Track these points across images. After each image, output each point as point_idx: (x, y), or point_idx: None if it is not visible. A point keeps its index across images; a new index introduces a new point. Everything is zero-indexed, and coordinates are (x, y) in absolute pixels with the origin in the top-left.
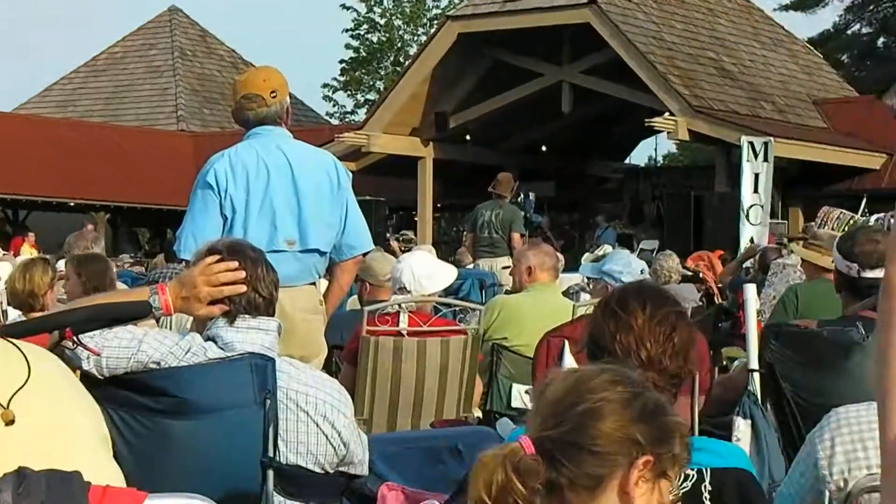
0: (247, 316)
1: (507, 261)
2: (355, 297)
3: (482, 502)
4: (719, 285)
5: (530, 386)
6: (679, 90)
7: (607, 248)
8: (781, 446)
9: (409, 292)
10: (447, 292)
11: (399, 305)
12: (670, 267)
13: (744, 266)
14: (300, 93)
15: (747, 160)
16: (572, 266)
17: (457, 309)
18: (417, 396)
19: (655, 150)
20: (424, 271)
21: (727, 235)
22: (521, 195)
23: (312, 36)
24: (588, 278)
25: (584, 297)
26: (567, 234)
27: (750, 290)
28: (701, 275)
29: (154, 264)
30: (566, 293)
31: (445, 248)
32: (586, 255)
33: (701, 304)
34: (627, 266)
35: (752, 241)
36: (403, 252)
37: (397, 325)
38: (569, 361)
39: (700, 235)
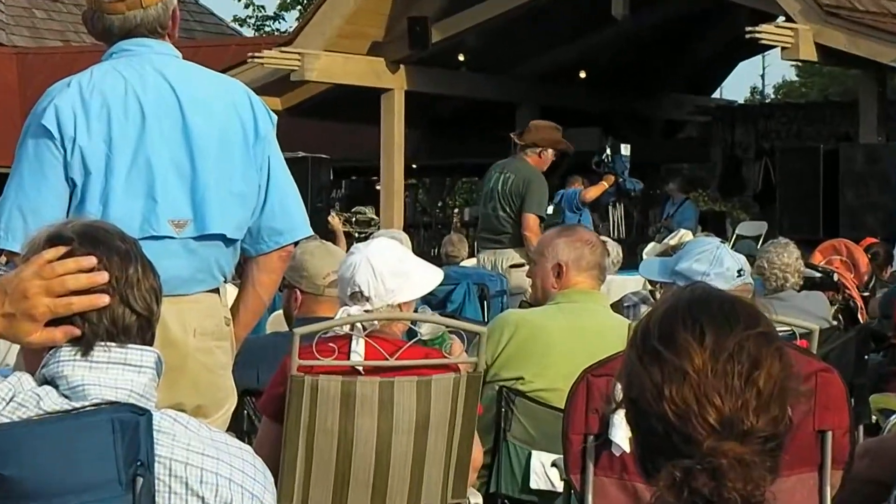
0: (109, 344)
1: (515, 255)
2: (280, 312)
3: None
4: (865, 294)
5: (560, 456)
6: None
7: (684, 234)
8: None
9: (366, 304)
10: (429, 304)
11: (351, 326)
12: (786, 265)
13: None
14: None
15: None
16: (629, 263)
17: (444, 332)
18: (380, 472)
19: (762, 78)
20: (391, 269)
21: (879, 214)
22: (607, 147)
23: None
24: (653, 282)
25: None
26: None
27: None
28: (836, 277)
29: None
30: (618, 306)
31: (427, 235)
32: (651, 244)
33: (835, 323)
34: (716, 263)
35: None
36: (358, 240)
37: (348, 358)
38: (621, 425)
39: (834, 214)
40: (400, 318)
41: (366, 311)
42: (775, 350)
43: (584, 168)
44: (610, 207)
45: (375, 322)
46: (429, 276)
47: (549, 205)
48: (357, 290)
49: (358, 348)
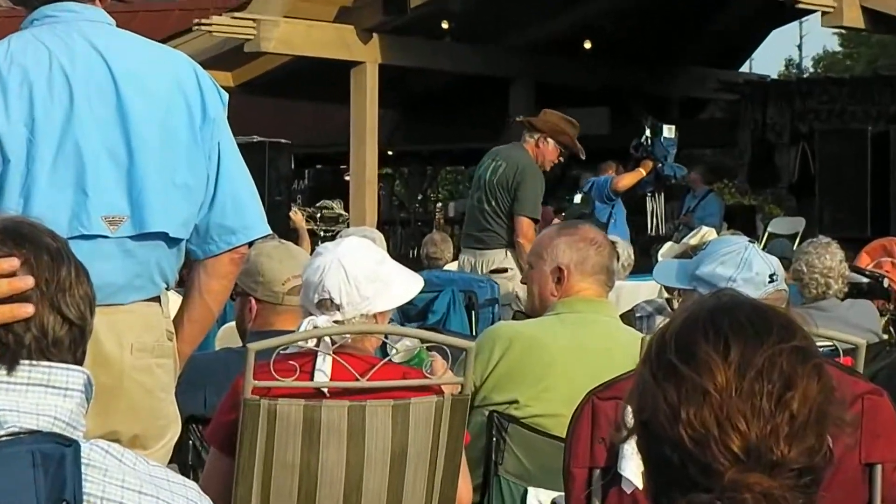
0: (30, 362)
1: (499, 258)
2: (231, 325)
3: None
4: None
5: (561, 494)
6: None
7: (707, 233)
8: None
9: (336, 313)
10: (407, 315)
11: (317, 340)
12: (828, 268)
13: None
14: None
15: None
16: (642, 266)
17: (420, 349)
18: None
19: (799, 49)
20: (366, 273)
21: None
22: (647, 127)
23: None
24: (671, 289)
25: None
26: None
27: None
28: (887, 283)
29: None
30: (629, 317)
31: (404, 234)
32: (667, 244)
33: (886, 337)
34: (744, 266)
35: None
36: (324, 239)
37: (311, 378)
38: (632, 456)
39: (885, 208)
40: (377, 330)
41: (335, 323)
42: (813, 368)
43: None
44: (648, 197)
45: (347, 336)
46: (408, 283)
47: (577, 193)
48: (326, 297)
49: (324, 366)
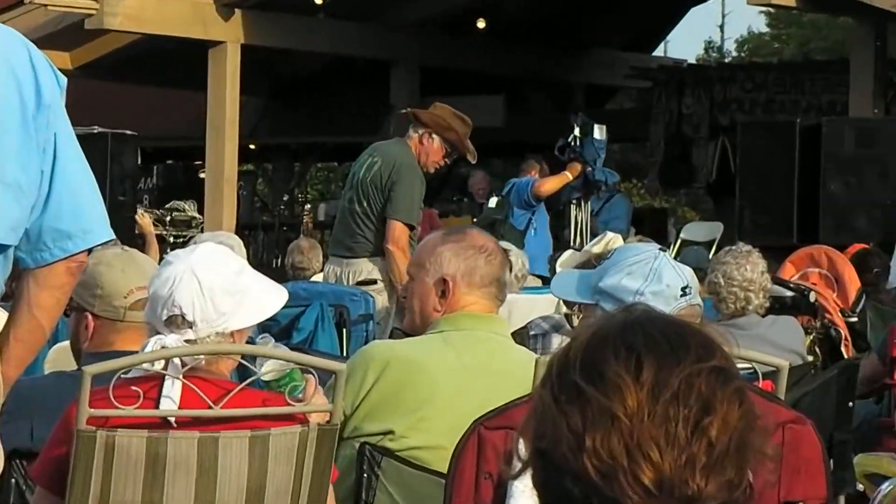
0: None
1: (370, 267)
2: (64, 344)
3: None
4: (852, 320)
5: None
6: None
7: (612, 239)
8: None
9: (188, 331)
10: (269, 332)
11: (165, 363)
12: (748, 281)
13: None
14: None
15: None
16: (539, 276)
17: (293, 369)
18: None
19: (721, 30)
20: (224, 285)
21: (874, 212)
22: (576, 126)
23: None
24: (571, 304)
25: (558, 343)
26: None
27: None
28: (813, 297)
29: None
30: (522, 335)
31: (267, 240)
32: (567, 252)
33: (811, 358)
34: (653, 278)
35: None
36: (175, 245)
37: (156, 405)
38: (524, 494)
39: (813, 212)
40: (234, 351)
41: (187, 342)
42: (734, 392)
43: (483, 150)
44: (573, 205)
45: (201, 357)
46: (271, 296)
47: (493, 196)
48: (177, 312)
49: (172, 392)
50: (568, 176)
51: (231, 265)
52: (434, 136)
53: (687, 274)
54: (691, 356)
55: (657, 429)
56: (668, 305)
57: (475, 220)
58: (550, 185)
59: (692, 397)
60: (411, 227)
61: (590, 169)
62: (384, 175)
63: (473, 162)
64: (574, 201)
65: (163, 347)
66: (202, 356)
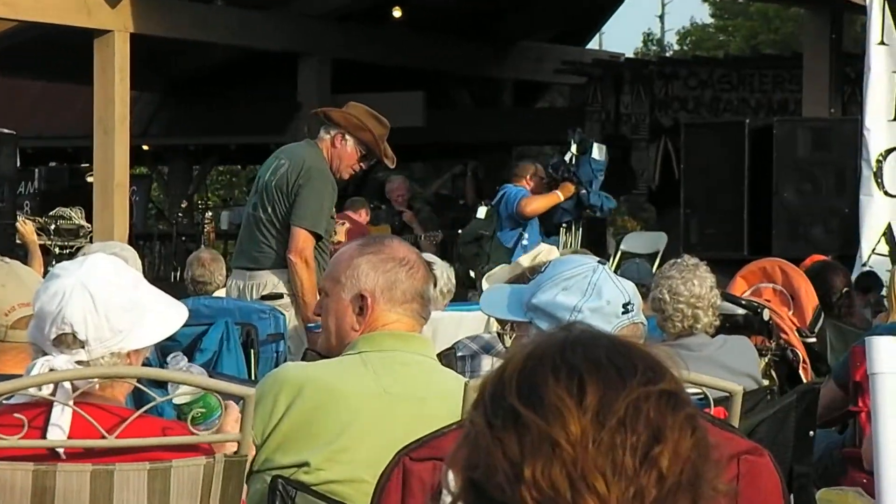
0: None
1: (275, 280)
2: None
3: None
4: (810, 341)
5: None
6: None
7: (545, 251)
8: None
9: (80, 352)
10: (166, 354)
11: (53, 387)
12: (696, 297)
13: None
14: None
15: (883, 42)
16: (465, 292)
17: (201, 395)
18: None
19: (661, 20)
20: (119, 300)
21: (832, 221)
22: (573, 142)
23: None
24: (504, 322)
25: (488, 365)
26: (450, 216)
27: (882, 347)
28: (767, 315)
29: None
30: (449, 356)
31: (164, 251)
32: (497, 266)
33: (767, 382)
34: (592, 293)
35: (889, 233)
36: (61, 257)
37: (43, 435)
38: None
39: (766, 221)
40: (129, 374)
41: (78, 364)
42: (687, 419)
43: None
44: (562, 230)
45: (94, 381)
46: (171, 313)
47: (480, 205)
48: (68, 330)
49: (62, 420)
50: (559, 196)
51: (126, 278)
52: (348, 137)
53: (629, 289)
54: (638, 378)
55: (603, 458)
56: (608, 323)
57: (460, 231)
58: (537, 204)
59: (640, 423)
60: (318, 237)
61: (584, 191)
62: (290, 179)
63: (392, 166)
64: (564, 225)
65: (51, 370)
66: (96, 380)
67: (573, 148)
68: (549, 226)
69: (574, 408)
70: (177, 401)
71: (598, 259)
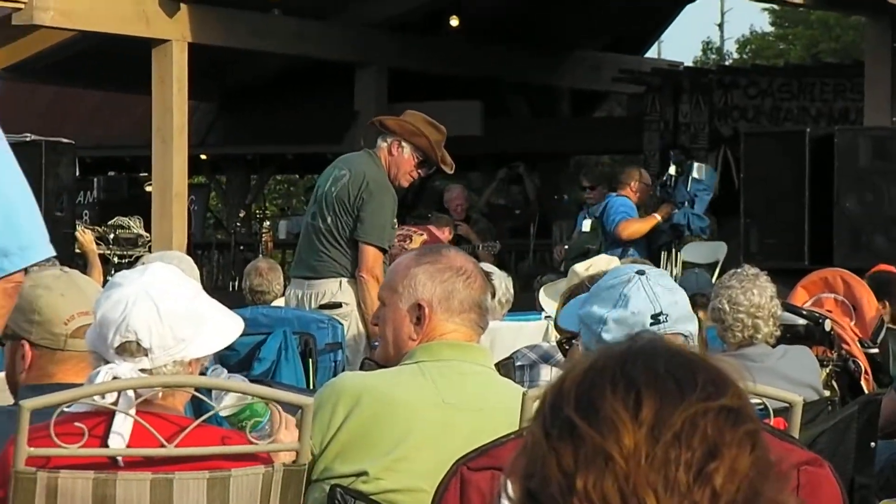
0: None
1: (335, 288)
2: (1, 376)
3: None
4: (872, 351)
5: None
6: None
7: (605, 260)
8: None
9: (143, 360)
10: (225, 364)
11: (116, 396)
12: (756, 307)
13: None
14: None
15: None
16: (524, 301)
17: (255, 402)
18: None
19: (721, 29)
20: (182, 309)
21: (893, 230)
22: (672, 163)
23: None
24: (563, 330)
25: (547, 375)
26: (508, 228)
27: None
28: (829, 326)
29: None
30: (507, 366)
31: (222, 260)
32: (556, 281)
33: (828, 393)
34: (620, 303)
35: None
36: (120, 266)
37: (103, 444)
38: None
39: (827, 231)
40: (180, 385)
41: (141, 372)
42: (746, 435)
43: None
44: (662, 253)
45: (153, 389)
46: (229, 323)
47: (584, 217)
48: (132, 338)
49: (123, 429)
50: (657, 218)
51: (187, 287)
52: (404, 144)
53: (665, 300)
54: (698, 393)
55: (655, 473)
56: (657, 331)
57: (566, 247)
58: (634, 228)
59: (696, 439)
60: (384, 252)
61: (676, 210)
62: (352, 192)
63: (450, 172)
64: (664, 247)
65: (114, 378)
66: (158, 388)
67: (672, 170)
68: (654, 248)
69: (629, 421)
70: (223, 413)
71: (638, 268)
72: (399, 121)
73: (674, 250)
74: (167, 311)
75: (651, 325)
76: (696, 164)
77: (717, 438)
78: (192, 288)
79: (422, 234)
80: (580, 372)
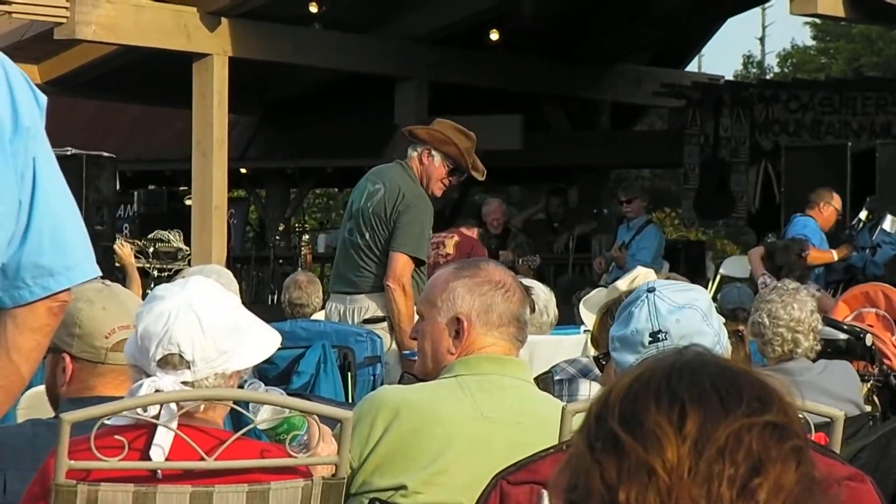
0: None
1: (373, 305)
2: (40, 388)
3: None
4: None
5: None
6: None
7: (642, 274)
8: None
9: (186, 372)
10: (264, 377)
11: (158, 409)
12: (796, 321)
13: None
14: None
15: None
16: (564, 315)
17: (293, 416)
18: None
19: (762, 43)
20: (225, 321)
21: None
22: (865, 209)
23: None
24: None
25: (586, 389)
26: (548, 241)
27: None
28: (870, 341)
29: None
30: (546, 380)
31: (261, 274)
32: (595, 290)
33: (869, 409)
34: (624, 321)
35: None
36: (160, 280)
37: (143, 457)
38: None
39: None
40: (221, 398)
41: (184, 384)
42: (792, 451)
43: (499, 175)
44: (829, 289)
45: (195, 402)
46: (266, 336)
47: (625, 230)
48: (175, 351)
49: (164, 442)
50: (833, 256)
51: (227, 300)
52: (434, 153)
53: (666, 319)
54: (743, 408)
55: (698, 487)
56: (635, 353)
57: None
58: (815, 257)
59: (741, 454)
60: (419, 263)
61: (855, 254)
62: (388, 205)
63: (481, 179)
64: (832, 286)
65: (157, 391)
66: (196, 403)
67: (862, 214)
68: (824, 283)
69: (673, 435)
70: (261, 427)
71: (649, 286)
72: (428, 130)
73: (840, 290)
74: (210, 323)
75: (650, 343)
76: (889, 217)
77: (762, 454)
78: (232, 301)
79: (453, 237)
80: (625, 385)
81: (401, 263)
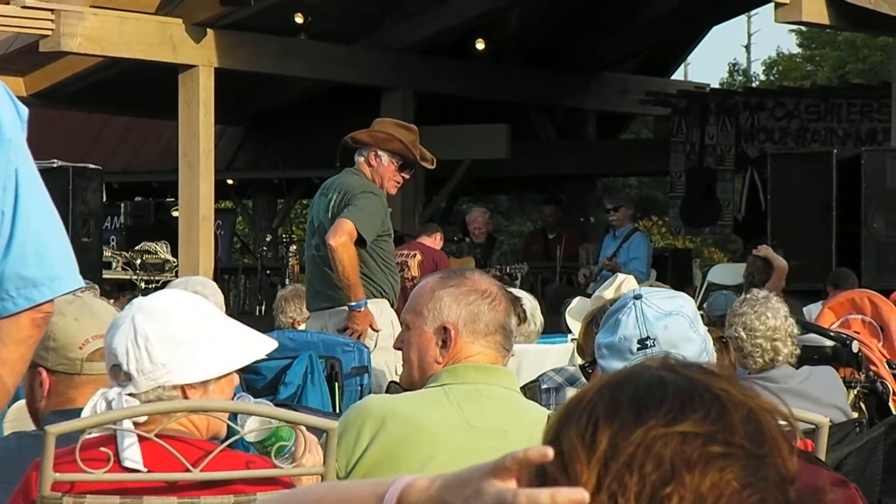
0: None
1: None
2: (23, 403)
3: None
4: None
5: None
6: None
7: (625, 281)
8: None
9: (129, 385)
10: (251, 388)
11: (133, 422)
12: (772, 329)
13: None
14: None
15: None
16: (551, 323)
17: (281, 427)
18: None
19: (747, 51)
20: (166, 332)
21: None
22: None
23: None
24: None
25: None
26: (535, 251)
27: None
28: (856, 347)
29: None
30: (534, 389)
31: (249, 285)
32: (576, 299)
33: (855, 415)
34: (612, 329)
35: None
36: (146, 290)
37: (124, 470)
38: None
39: (854, 252)
40: (206, 407)
41: (130, 396)
42: (720, 457)
43: (486, 184)
44: None
45: (178, 414)
46: (246, 344)
47: (611, 239)
48: (115, 362)
49: (131, 453)
50: None
51: (182, 308)
52: (381, 152)
53: (654, 326)
54: (659, 418)
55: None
56: (623, 360)
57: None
58: None
59: (649, 465)
60: (362, 243)
61: None
62: (341, 206)
63: (431, 167)
64: None
65: (106, 402)
66: (186, 413)
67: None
68: None
69: (583, 455)
70: (250, 439)
71: (636, 293)
72: (370, 132)
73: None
74: (143, 334)
75: (638, 349)
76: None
77: (676, 461)
78: (186, 312)
79: (415, 255)
80: (564, 404)
81: (343, 226)
